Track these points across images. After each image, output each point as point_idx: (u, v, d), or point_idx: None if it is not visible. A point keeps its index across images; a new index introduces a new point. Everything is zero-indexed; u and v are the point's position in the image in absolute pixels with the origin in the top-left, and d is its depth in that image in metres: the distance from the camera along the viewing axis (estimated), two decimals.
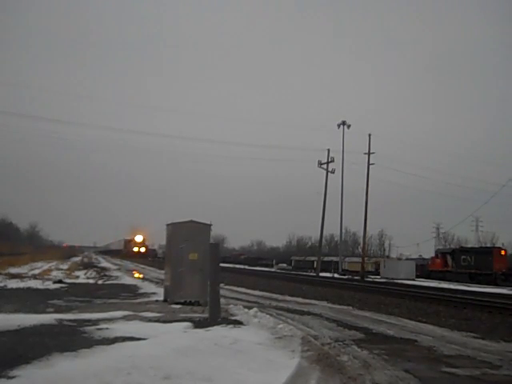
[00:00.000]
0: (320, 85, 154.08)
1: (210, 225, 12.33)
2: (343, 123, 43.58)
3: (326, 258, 49.47)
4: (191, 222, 11.68)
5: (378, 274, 40.08)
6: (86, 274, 25.52)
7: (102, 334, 6.78)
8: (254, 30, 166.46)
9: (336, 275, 39.71)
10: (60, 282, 17.89)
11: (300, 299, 13.90)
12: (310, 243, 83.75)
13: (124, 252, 74.94)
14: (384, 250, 78.83)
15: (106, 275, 24.83)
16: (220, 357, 5.62)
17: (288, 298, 14.40)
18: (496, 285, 31.28)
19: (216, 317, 8.55)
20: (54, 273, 23.92)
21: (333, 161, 42.86)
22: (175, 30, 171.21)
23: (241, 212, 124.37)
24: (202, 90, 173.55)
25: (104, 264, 44.22)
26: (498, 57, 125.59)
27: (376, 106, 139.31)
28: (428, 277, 38.51)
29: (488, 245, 58.33)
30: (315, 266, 44.32)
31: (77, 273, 25.36)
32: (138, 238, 75.69)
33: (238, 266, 53.73)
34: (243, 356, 5.75)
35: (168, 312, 9.62)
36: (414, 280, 35.09)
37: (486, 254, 36.47)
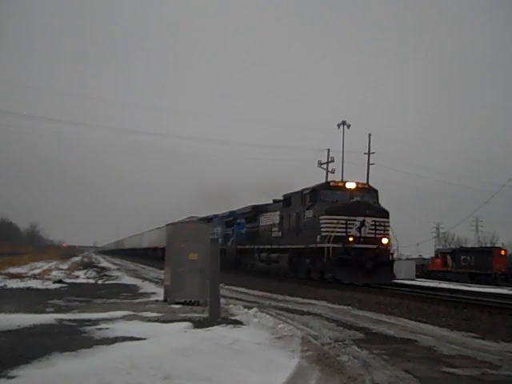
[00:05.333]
0: (320, 85, 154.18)
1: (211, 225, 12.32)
2: (343, 123, 43.55)
3: None
4: (191, 222, 11.69)
5: None
6: (86, 273, 25.53)
7: (101, 334, 6.78)
8: (255, 30, 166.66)
9: None
10: (60, 281, 17.88)
11: (300, 299, 13.89)
12: None
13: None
14: None
15: (105, 275, 24.84)
16: (220, 357, 5.63)
17: (288, 297, 14.39)
18: (496, 285, 31.27)
19: (216, 317, 8.56)
20: (54, 273, 23.91)
21: (333, 161, 42.84)
22: (176, 30, 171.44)
23: None
24: (202, 90, 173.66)
25: (104, 264, 44.22)
26: (498, 57, 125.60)
27: (376, 105, 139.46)
28: (428, 277, 38.49)
29: (488, 245, 58.27)
30: None
31: (77, 273, 25.37)
32: None
33: None
34: (243, 356, 5.76)
35: (168, 312, 9.62)
36: (414, 280, 35.04)
37: (486, 253, 36.47)
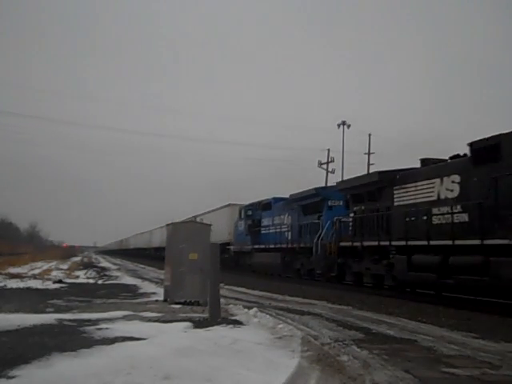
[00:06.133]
0: (320, 85, 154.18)
1: (210, 225, 12.38)
2: (343, 123, 43.63)
3: None
4: (191, 221, 11.70)
5: None
6: (86, 273, 25.56)
7: (101, 334, 6.78)
8: (255, 30, 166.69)
9: None
10: (60, 281, 17.92)
11: (300, 299, 13.89)
12: None
13: None
14: None
15: (105, 275, 24.87)
16: (220, 357, 5.62)
17: (288, 297, 14.39)
18: None
19: (216, 317, 8.55)
20: (54, 273, 23.95)
21: (333, 161, 42.88)
22: (177, 30, 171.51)
23: None
24: (203, 90, 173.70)
25: (104, 264, 44.23)
26: (501, 58, 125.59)
27: (376, 106, 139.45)
28: None
29: None
30: None
31: (77, 273, 25.39)
32: None
33: None
34: (243, 356, 5.75)
35: (168, 312, 9.62)
36: None
37: None
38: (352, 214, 18.02)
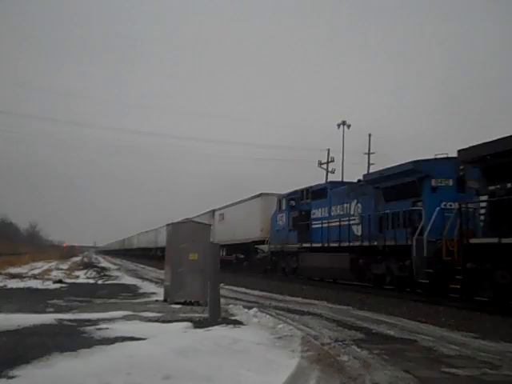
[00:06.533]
0: (321, 85, 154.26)
1: (210, 225, 12.40)
2: (343, 123, 43.55)
3: None
4: (191, 221, 11.70)
5: None
6: (86, 273, 25.57)
7: (101, 334, 6.78)
8: (255, 30, 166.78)
9: None
10: (60, 281, 17.92)
11: (300, 299, 13.89)
12: None
13: None
14: None
15: (106, 275, 24.88)
16: (220, 357, 5.62)
17: (288, 297, 14.39)
18: None
19: (216, 317, 8.56)
20: (54, 273, 23.96)
21: (333, 161, 42.81)
22: (175, 29, 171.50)
23: None
24: (202, 90, 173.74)
25: (104, 264, 44.25)
26: (502, 61, 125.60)
27: (376, 105, 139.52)
28: None
29: None
30: None
31: (77, 273, 25.40)
32: None
33: None
34: (243, 356, 5.75)
35: (168, 312, 9.62)
36: None
37: None
38: (485, 197, 12.10)
